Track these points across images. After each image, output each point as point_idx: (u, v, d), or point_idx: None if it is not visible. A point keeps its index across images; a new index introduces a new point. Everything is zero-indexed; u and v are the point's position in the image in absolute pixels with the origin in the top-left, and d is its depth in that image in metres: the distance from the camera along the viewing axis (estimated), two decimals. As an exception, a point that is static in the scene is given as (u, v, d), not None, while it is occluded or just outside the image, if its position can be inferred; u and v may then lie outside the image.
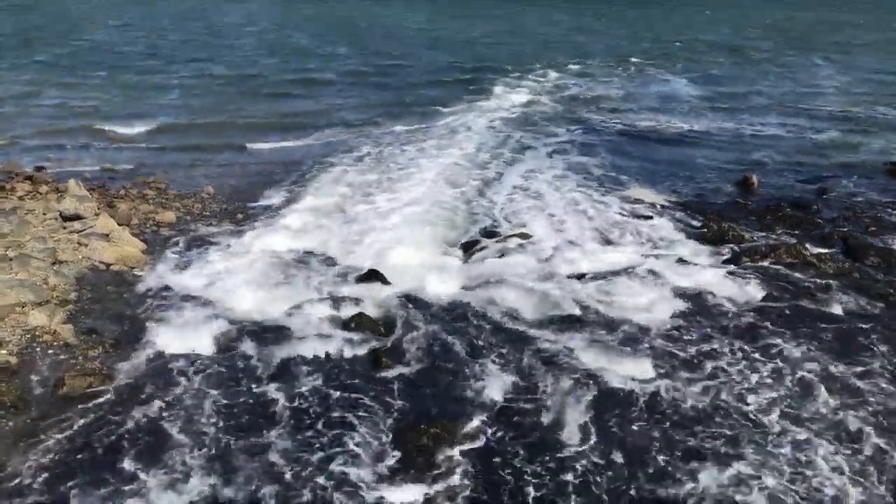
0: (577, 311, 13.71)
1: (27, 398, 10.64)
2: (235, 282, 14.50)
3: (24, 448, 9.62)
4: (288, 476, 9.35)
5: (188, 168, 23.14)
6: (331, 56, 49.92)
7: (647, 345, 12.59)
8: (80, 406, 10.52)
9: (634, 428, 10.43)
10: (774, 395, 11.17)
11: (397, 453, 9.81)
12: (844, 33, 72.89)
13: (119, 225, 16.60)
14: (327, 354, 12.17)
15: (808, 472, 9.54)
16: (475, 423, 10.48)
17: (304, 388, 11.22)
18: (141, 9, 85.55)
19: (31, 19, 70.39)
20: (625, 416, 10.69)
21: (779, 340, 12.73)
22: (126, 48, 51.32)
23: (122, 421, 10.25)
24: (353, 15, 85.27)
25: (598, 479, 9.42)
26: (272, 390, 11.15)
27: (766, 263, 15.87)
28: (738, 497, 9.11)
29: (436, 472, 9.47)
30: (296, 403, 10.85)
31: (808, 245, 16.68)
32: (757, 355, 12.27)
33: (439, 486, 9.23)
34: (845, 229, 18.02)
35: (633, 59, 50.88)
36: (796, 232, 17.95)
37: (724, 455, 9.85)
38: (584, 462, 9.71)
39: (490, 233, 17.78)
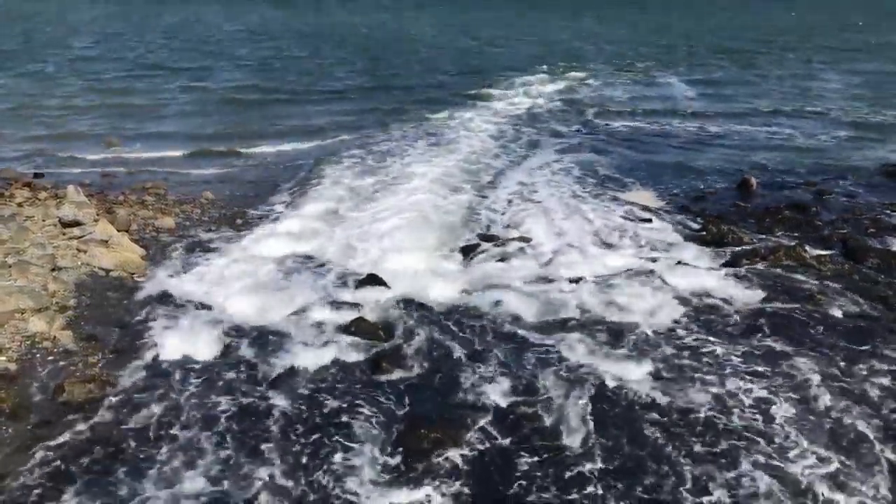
0: (578, 315, 13.70)
1: (27, 405, 10.61)
2: (235, 287, 14.49)
3: (24, 455, 9.58)
4: (288, 481, 9.33)
5: (187, 174, 23.15)
6: (330, 61, 49.98)
7: (647, 348, 12.57)
8: (79, 413, 10.48)
9: (635, 430, 10.41)
10: (775, 397, 11.15)
11: (398, 457, 9.78)
12: (847, 36, 72.97)
13: (118, 231, 16.58)
14: (327, 359, 12.14)
15: (807, 476, 9.51)
16: (476, 426, 10.45)
17: (303, 393, 11.21)
18: (140, 18, 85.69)
19: (29, 27, 70.49)
20: (625, 418, 10.67)
21: (778, 342, 12.72)
22: (124, 56, 51.40)
23: (122, 427, 10.22)
24: (353, 21, 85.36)
25: (600, 482, 9.39)
26: (272, 395, 11.12)
27: (765, 266, 15.86)
28: (738, 499, 9.08)
29: (437, 475, 9.45)
30: (296, 408, 10.83)
31: (807, 247, 16.67)
32: (757, 357, 12.25)
33: (440, 490, 9.21)
34: (845, 231, 18.01)
35: (636, 62, 50.99)
36: (796, 234, 17.95)
37: (725, 458, 9.82)
38: (585, 465, 9.68)
39: (489, 236, 17.77)
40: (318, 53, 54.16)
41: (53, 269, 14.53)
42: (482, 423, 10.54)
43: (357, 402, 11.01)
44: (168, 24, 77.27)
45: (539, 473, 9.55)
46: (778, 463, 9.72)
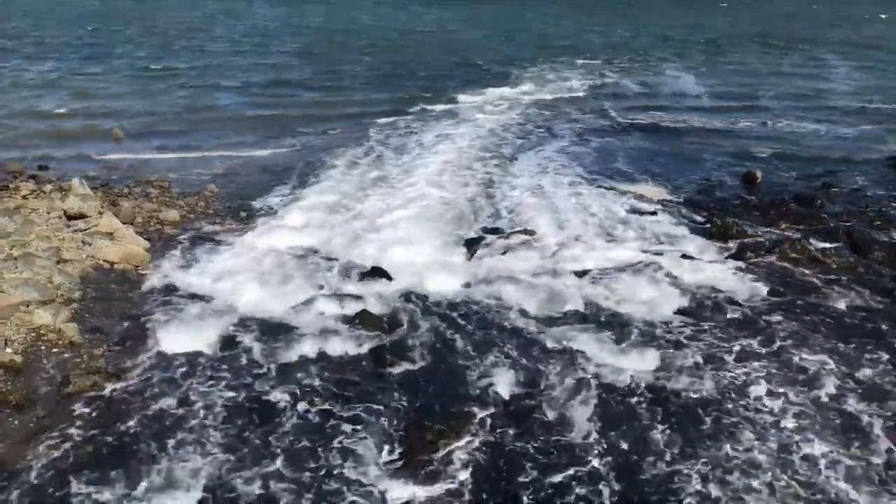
0: (582, 308, 13.71)
1: (32, 397, 10.67)
2: (239, 280, 14.51)
3: (30, 447, 9.63)
4: (292, 474, 9.37)
5: (191, 166, 23.16)
6: (336, 55, 49.85)
7: (651, 340, 12.57)
8: (85, 405, 10.54)
9: (640, 423, 10.42)
10: (780, 390, 11.15)
11: (401, 450, 9.81)
12: (865, 29, 72.43)
13: (123, 223, 16.60)
14: (331, 352, 12.17)
15: (813, 468, 9.51)
16: (480, 419, 10.48)
17: (307, 386, 11.23)
18: (143, 15, 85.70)
19: (29, 24, 70.57)
20: (630, 411, 10.69)
21: (783, 336, 12.71)
22: (129, 52, 51.35)
23: (126, 420, 10.26)
24: (360, 16, 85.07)
25: (604, 474, 9.41)
26: (276, 388, 11.16)
27: (770, 259, 15.83)
28: (741, 493, 9.09)
29: (440, 468, 9.47)
30: (300, 401, 10.86)
31: (812, 240, 16.63)
32: (761, 351, 12.25)
33: (444, 483, 9.23)
34: (850, 224, 17.93)
35: (643, 55, 50.75)
36: (801, 227, 17.88)
37: (730, 451, 9.83)
38: (589, 458, 9.70)
39: (494, 229, 17.76)
40: (325, 48, 54.00)
41: (58, 262, 14.56)
42: (486, 415, 10.56)
43: (361, 394, 11.04)
44: (170, 19, 77.21)
45: (543, 466, 9.57)
46: (783, 454, 9.73)
